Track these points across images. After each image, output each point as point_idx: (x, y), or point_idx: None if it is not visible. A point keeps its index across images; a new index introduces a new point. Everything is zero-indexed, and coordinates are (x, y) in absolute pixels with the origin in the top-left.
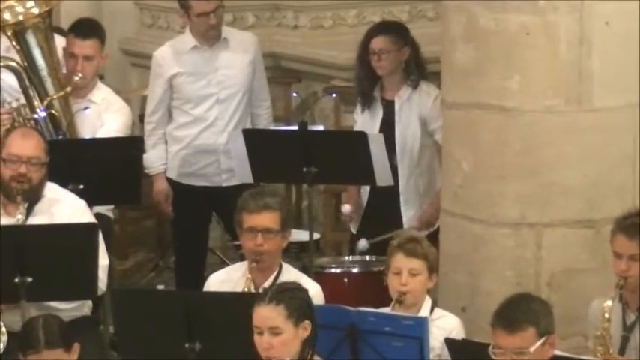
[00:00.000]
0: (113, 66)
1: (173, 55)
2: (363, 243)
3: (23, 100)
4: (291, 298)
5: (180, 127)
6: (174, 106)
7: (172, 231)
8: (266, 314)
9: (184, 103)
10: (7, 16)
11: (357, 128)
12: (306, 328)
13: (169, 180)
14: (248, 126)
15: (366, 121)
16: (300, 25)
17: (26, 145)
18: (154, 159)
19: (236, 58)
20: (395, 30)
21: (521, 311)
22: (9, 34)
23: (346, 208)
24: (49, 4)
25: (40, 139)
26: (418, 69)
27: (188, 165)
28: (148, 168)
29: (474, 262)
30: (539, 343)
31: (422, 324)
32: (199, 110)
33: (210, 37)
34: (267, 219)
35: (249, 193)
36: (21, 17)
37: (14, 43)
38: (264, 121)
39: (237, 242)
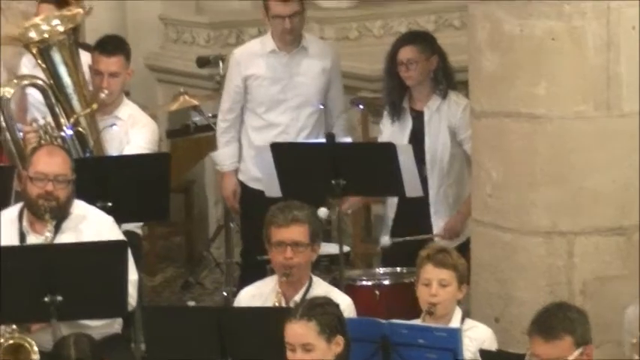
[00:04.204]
0: (138, 82)
1: (251, 56)
2: (385, 239)
3: (50, 118)
4: (323, 313)
5: (255, 131)
6: (247, 107)
7: (240, 232)
8: (298, 331)
9: (257, 106)
10: (32, 34)
11: (386, 139)
12: (339, 344)
13: (241, 183)
14: (322, 135)
15: (395, 132)
16: (326, 37)
17: (52, 163)
18: (225, 157)
19: (313, 67)
20: (422, 39)
21: (558, 320)
22: (34, 51)
23: (323, 212)
24: (74, 22)
25: (66, 157)
26: (446, 78)
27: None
28: (219, 165)
29: (506, 271)
30: (577, 352)
31: (455, 335)
32: (271, 115)
33: (286, 41)
34: (296, 232)
35: (278, 206)
36: (46, 35)
37: (40, 60)
38: (339, 131)
39: (266, 257)
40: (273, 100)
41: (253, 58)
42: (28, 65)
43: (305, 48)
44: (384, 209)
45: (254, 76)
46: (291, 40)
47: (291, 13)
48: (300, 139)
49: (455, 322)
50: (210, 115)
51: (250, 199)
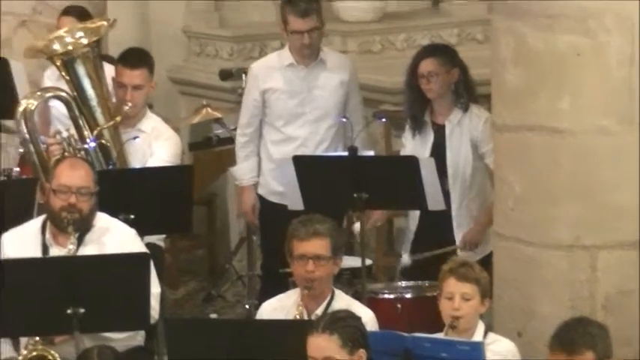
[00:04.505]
0: (162, 94)
1: (269, 70)
2: (405, 258)
3: (73, 130)
4: (345, 327)
5: (274, 145)
6: (266, 121)
7: (260, 246)
8: (320, 344)
9: (275, 119)
10: (56, 46)
11: (407, 153)
12: (361, 357)
13: (260, 197)
14: (341, 148)
15: (416, 146)
16: (349, 50)
17: (75, 175)
18: (245, 171)
19: (331, 80)
20: (443, 52)
21: (579, 335)
22: (58, 64)
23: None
24: (98, 34)
25: (89, 169)
26: (467, 91)
27: (280, 184)
28: (238, 179)
29: (528, 286)
30: None
31: (478, 349)
32: (290, 128)
33: (304, 55)
34: (318, 246)
35: (299, 220)
36: (70, 47)
37: (63, 73)
38: (357, 144)
39: (287, 270)
40: (291, 114)
41: (271, 72)
42: (52, 78)
43: (323, 61)
44: (406, 222)
45: (272, 90)
46: (309, 55)
47: (310, 29)
48: (319, 152)
49: (477, 336)
50: (232, 127)
51: (270, 212)
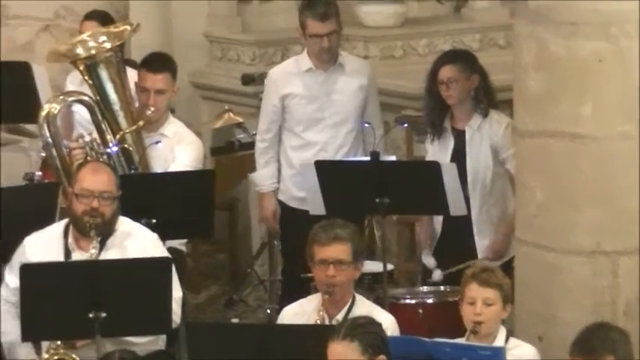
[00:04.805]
0: (183, 99)
1: (288, 75)
2: (437, 274)
3: (96, 134)
4: (365, 333)
5: (293, 150)
6: (285, 127)
7: (281, 251)
8: (341, 351)
9: (295, 125)
10: (79, 50)
11: (429, 159)
12: None
13: (281, 203)
14: (360, 152)
15: (436, 152)
16: (371, 55)
17: (97, 180)
18: (265, 177)
19: (349, 84)
20: (462, 58)
21: (599, 340)
22: (81, 68)
23: (430, 262)
24: (121, 38)
25: (111, 173)
26: (487, 97)
27: (300, 189)
28: (258, 186)
29: (550, 291)
30: None
31: (499, 354)
32: (310, 134)
33: (323, 59)
34: (339, 250)
35: (320, 225)
36: (93, 51)
37: (86, 77)
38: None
39: (309, 275)
40: (311, 119)
41: (290, 77)
42: (74, 82)
43: (342, 65)
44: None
45: (291, 95)
46: (327, 59)
47: (329, 32)
48: (339, 157)
49: (499, 341)
50: (254, 132)
51: (290, 218)
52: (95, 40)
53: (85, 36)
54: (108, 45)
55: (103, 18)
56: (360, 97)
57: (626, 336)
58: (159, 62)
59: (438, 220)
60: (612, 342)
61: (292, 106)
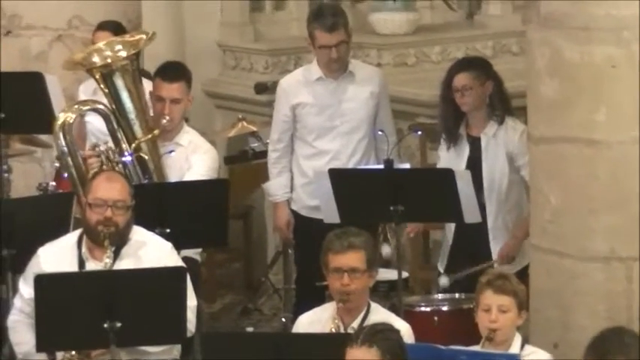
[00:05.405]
0: (197, 108)
1: (298, 84)
2: (443, 280)
3: (111, 143)
4: (384, 339)
5: (305, 159)
6: (297, 136)
7: (295, 261)
8: (359, 357)
9: (307, 133)
10: (95, 59)
11: (442, 166)
12: None
13: (294, 212)
14: (372, 160)
15: (451, 159)
16: (384, 63)
17: (111, 189)
18: (278, 187)
19: (360, 92)
20: (477, 65)
21: (613, 343)
22: (97, 76)
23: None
24: (137, 47)
25: (125, 183)
26: (502, 104)
27: (313, 198)
28: (271, 196)
29: (565, 297)
30: None
31: None
32: (321, 142)
33: (332, 69)
34: (353, 258)
35: (334, 233)
36: (109, 60)
37: (102, 86)
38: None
39: (324, 283)
40: (322, 128)
41: (300, 87)
42: (86, 92)
43: (352, 74)
44: (443, 235)
45: (302, 105)
46: (337, 68)
47: (338, 43)
48: (351, 165)
49: (514, 349)
50: (267, 141)
51: (304, 227)
52: (111, 49)
53: (101, 45)
54: (124, 54)
55: (115, 28)
56: (371, 104)
57: None
58: (174, 71)
59: (450, 227)
60: (626, 345)
61: (303, 115)
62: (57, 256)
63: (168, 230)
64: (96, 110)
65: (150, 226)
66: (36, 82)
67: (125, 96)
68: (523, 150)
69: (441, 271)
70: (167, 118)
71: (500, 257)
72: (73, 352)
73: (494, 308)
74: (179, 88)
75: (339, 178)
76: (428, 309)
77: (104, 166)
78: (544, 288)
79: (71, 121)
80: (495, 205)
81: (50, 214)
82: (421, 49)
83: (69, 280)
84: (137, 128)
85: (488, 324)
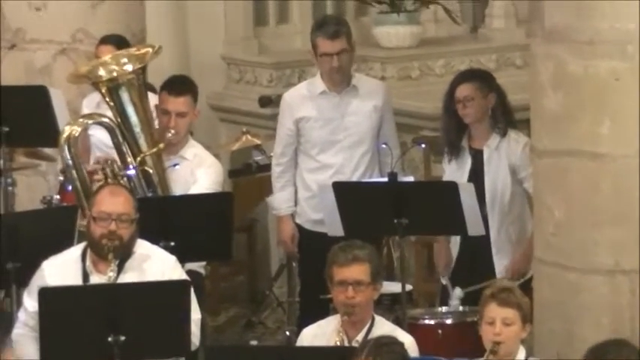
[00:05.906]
0: (201, 121)
1: (302, 98)
2: (458, 292)
3: (116, 156)
4: (389, 352)
5: (309, 173)
6: (301, 150)
7: (299, 274)
8: None
9: (310, 147)
10: (101, 72)
11: (446, 178)
12: None
13: (298, 226)
14: (376, 173)
15: (453, 171)
16: (388, 76)
17: (115, 202)
18: (282, 201)
19: (364, 106)
20: (479, 77)
21: (611, 357)
22: (103, 90)
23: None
24: (143, 61)
25: (129, 196)
26: (505, 116)
27: (317, 211)
28: (275, 209)
29: (569, 310)
30: None
31: None
32: (325, 156)
33: (335, 80)
34: (358, 271)
35: (339, 246)
36: (115, 74)
37: (108, 99)
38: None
39: (329, 296)
40: (325, 142)
41: (304, 101)
42: (90, 106)
43: (355, 88)
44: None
45: (305, 119)
46: (340, 80)
47: (339, 51)
48: (355, 179)
49: None
50: (271, 154)
51: (308, 241)
52: (117, 63)
53: (107, 58)
54: (130, 67)
55: (118, 42)
56: (375, 118)
57: (638, 353)
58: (180, 85)
59: (455, 241)
60: (626, 358)
61: (307, 129)
62: (61, 269)
63: (172, 243)
64: (101, 124)
65: (154, 240)
66: (40, 95)
67: (131, 109)
68: (526, 162)
69: (444, 283)
70: (172, 131)
71: (510, 272)
72: None
73: (498, 321)
74: (185, 101)
75: (343, 191)
76: (432, 322)
77: (109, 180)
78: (548, 301)
79: (76, 135)
80: (498, 217)
81: (54, 228)
82: (425, 62)
83: (73, 294)
84: (142, 142)
85: (493, 337)
